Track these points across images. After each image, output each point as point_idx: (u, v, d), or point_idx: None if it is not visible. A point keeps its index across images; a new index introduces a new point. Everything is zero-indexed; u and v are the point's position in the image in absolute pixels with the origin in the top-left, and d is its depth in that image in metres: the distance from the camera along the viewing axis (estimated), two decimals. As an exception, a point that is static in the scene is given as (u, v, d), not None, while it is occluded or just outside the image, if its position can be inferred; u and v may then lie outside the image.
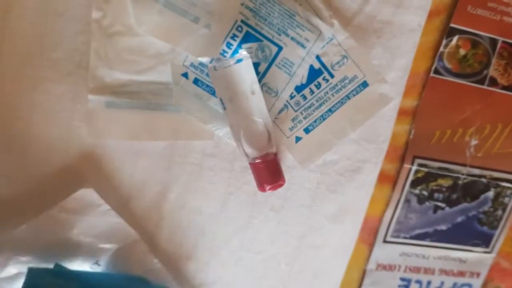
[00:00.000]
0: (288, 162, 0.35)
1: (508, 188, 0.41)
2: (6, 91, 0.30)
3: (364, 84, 0.35)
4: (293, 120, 0.35)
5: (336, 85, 0.34)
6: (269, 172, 0.33)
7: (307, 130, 0.35)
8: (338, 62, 0.34)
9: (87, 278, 0.31)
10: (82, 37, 0.30)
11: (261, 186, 0.33)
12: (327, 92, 0.34)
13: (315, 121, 0.35)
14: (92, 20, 0.30)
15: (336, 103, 0.35)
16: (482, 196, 0.41)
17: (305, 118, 0.35)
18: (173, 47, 0.31)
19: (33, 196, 0.32)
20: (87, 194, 0.32)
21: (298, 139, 0.35)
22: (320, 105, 0.34)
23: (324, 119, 0.35)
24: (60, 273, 0.32)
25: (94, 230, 0.33)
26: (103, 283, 0.32)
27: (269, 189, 0.33)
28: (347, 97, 0.35)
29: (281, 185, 0.33)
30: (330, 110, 0.35)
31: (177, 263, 0.36)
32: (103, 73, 0.31)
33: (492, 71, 0.37)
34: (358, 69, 0.34)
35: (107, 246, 0.33)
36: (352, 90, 0.35)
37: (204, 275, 0.37)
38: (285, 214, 0.37)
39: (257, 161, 0.33)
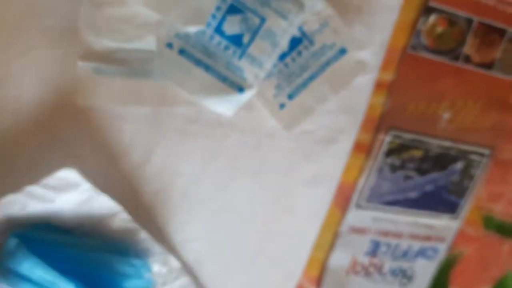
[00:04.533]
0: (266, 130, 0.37)
1: (475, 160, 0.43)
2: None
3: (343, 51, 0.36)
4: (276, 87, 0.36)
5: (317, 52, 0.36)
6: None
7: (290, 97, 0.37)
8: (317, 30, 0.35)
9: (66, 241, 0.34)
10: (73, 5, 0.31)
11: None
12: (307, 60, 0.36)
13: (297, 88, 0.36)
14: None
15: (316, 70, 0.36)
16: (451, 167, 0.43)
17: (287, 85, 0.36)
18: (161, 17, 0.32)
19: (17, 165, 0.34)
20: (69, 174, 0.33)
21: (282, 105, 0.37)
22: (302, 72, 0.36)
23: (306, 85, 0.36)
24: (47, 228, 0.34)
25: (74, 203, 0.34)
26: (82, 249, 0.34)
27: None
28: (327, 63, 0.36)
29: None
30: (311, 77, 0.36)
31: (159, 223, 0.38)
32: (91, 40, 0.32)
33: (467, 49, 0.39)
34: (337, 36, 0.36)
35: (88, 217, 0.35)
36: (332, 57, 0.36)
37: (185, 234, 0.39)
38: (262, 179, 0.39)
39: None
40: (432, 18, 0.37)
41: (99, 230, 0.36)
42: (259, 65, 0.34)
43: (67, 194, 0.34)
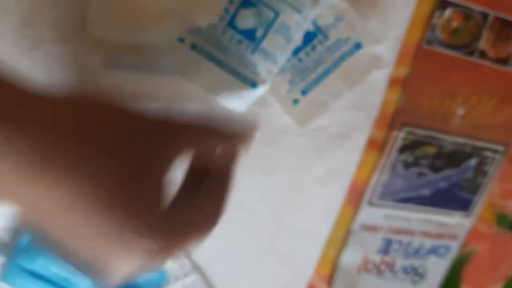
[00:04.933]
0: (278, 127, 0.37)
1: (489, 157, 0.43)
2: (6, 52, 0.31)
3: (358, 46, 0.36)
4: (290, 82, 0.36)
5: (331, 47, 0.35)
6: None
7: (304, 92, 0.36)
8: (332, 24, 0.35)
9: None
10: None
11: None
12: (322, 54, 0.35)
13: (311, 83, 0.36)
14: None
15: (331, 65, 0.36)
16: (465, 164, 0.43)
17: (301, 80, 0.36)
18: (172, 11, 0.32)
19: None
20: None
21: (295, 101, 0.36)
22: (316, 67, 0.35)
23: (320, 80, 0.36)
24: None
25: None
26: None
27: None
28: (342, 58, 0.36)
29: None
30: (325, 72, 0.36)
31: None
32: (101, 34, 0.31)
33: (482, 44, 0.38)
34: (352, 30, 0.35)
35: None
36: (347, 52, 0.36)
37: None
38: (275, 176, 0.38)
39: None
40: (448, 12, 0.36)
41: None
42: (272, 60, 0.34)
43: None
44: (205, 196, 0.26)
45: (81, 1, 0.31)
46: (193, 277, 0.39)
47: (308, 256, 0.43)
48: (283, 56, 0.34)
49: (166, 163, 0.23)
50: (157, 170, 0.23)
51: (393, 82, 0.38)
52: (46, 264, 0.33)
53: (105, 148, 0.21)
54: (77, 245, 0.21)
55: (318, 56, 0.35)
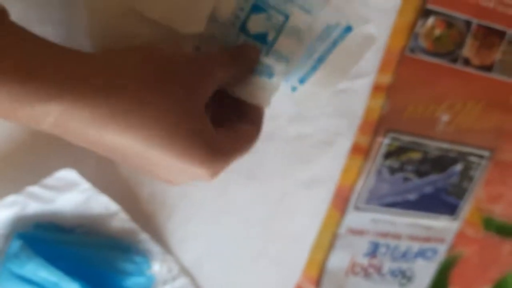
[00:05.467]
0: (264, 133, 0.37)
1: (475, 162, 0.43)
2: None
3: (348, 29, 0.35)
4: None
5: (321, 35, 0.35)
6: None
7: (301, 81, 0.36)
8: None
9: (68, 240, 0.34)
10: (69, 11, 0.31)
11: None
12: (313, 43, 0.35)
13: (307, 72, 0.36)
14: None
15: (324, 52, 0.36)
16: (450, 169, 0.43)
17: (297, 70, 0.36)
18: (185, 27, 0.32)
19: (17, 166, 0.34)
20: (68, 174, 0.34)
21: (294, 88, 0.36)
22: (309, 56, 0.35)
23: (316, 68, 0.36)
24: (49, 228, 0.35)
25: (74, 203, 0.35)
26: (84, 247, 0.35)
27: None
28: (334, 44, 0.35)
29: None
30: (320, 59, 0.36)
31: (157, 224, 0.39)
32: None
33: (465, 52, 0.39)
34: (340, 15, 0.35)
35: (88, 217, 0.35)
36: (338, 37, 0.35)
37: (184, 234, 0.40)
38: (261, 181, 0.39)
39: None
40: (430, 20, 0.37)
41: (99, 229, 0.36)
42: (285, 61, 0.34)
43: (67, 194, 0.34)
44: (245, 121, 0.32)
45: (67, 15, 0.31)
46: (181, 281, 0.40)
47: (296, 259, 0.44)
48: (296, 57, 0.35)
49: (206, 93, 0.28)
50: (201, 99, 0.27)
51: (376, 89, 0.38)
52: (37, 269, 0.33)
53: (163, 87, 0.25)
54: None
55: (310, 46, 0.35)
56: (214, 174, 0.27)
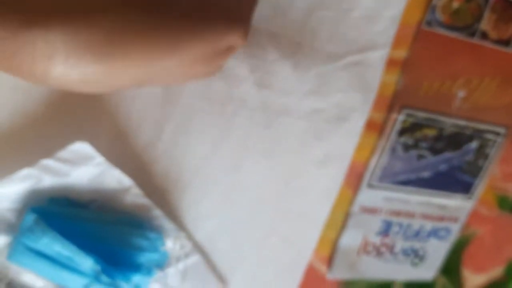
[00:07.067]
0: (276, 110, 0.37)
1: (490, 139, 0.43)
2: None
3: None
4: None
5: None
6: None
7: None
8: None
9: (82, 215, 0.34)
10: None
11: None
12: None
13: None
14: None
15: None
16: (466, 146, 0.43)
17: None
18: None
19: (30, 141, 0.34)
20: (82, 147, 0.33)
21: None
22: None
23: None
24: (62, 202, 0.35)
25: (88, 177, 0.34)
26: (98, 223, 0.35)
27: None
28: None
29: None
30: None
31: (170, 200, 0.39)
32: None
33: (483, 25, 0.38)
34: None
35: (101, 191, 0.35)
36: None
37: (197, 212, 0.40)
38: (274, 158, 0.39)
39: None
40: (448, -7, 0.36)
41: (112, 205, 0.36)
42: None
43: (81, 167, 0.34)
44: None
45: None
46: (194, 258, 0.40)
47: (308, 238, 0.43)
48: None
49: None
50: None
51: (391, 64, 0.37)
52: (51, 243, 0.33)
53: None
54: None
55: None
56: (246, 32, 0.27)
